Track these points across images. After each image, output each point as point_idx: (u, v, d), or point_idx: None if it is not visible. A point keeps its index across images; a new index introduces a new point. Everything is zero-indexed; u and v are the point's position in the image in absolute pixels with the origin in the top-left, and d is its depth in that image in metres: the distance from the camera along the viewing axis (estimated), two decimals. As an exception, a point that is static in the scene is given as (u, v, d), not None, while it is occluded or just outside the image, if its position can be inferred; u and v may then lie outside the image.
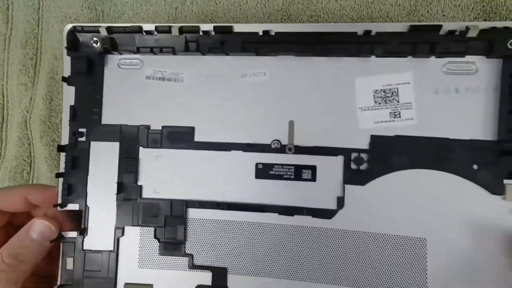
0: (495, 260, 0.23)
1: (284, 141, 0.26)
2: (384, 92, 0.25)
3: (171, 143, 0.27)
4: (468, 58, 0.24)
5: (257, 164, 0.26)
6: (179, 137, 0.27)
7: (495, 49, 0.23)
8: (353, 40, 0.25)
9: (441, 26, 0.23)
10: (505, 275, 0.23)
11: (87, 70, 0.28)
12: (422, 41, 0.24)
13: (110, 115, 0.28)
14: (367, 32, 0.24)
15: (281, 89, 0.26)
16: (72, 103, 0.28)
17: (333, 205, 0.25)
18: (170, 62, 0.27)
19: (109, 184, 0.27)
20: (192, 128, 0.27)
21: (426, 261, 0.24)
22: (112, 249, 0.27)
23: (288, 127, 0.26)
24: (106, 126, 0.28)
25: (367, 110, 0.25)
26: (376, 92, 0.25)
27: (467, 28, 0.23)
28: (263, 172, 0.26)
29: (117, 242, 0.27)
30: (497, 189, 0.23)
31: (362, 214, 0.25)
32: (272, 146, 0.26)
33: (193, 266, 0.27)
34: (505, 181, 0.23)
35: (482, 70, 0.24)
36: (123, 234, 0.27)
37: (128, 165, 0.27)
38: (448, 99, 0.24)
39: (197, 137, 0.27)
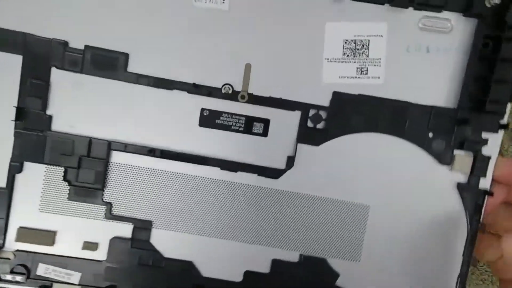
0: (430, 240, 0.24)
1: (237, 87, 0.24)
2: (354, 43, 0.23)
3: (96, 69, 0.24)
4: (445, 14, 0.23)
5: (202, 110, 0.24)
6: (108, 63, 0.24)
7: (473, 6, 0.22)
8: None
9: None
10: (440, 255, 0.23)
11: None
12: (402, -13, 0.22)
13: (10, 18, 0.23)
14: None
15: (240, 23, 0.23)
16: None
17: (282, 165, 0.24)
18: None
19: (5, 107, 0.23)
20: (126, 55, 0.23)
21: (365, 228, 0.24)
22: (4, 186, 0.24)
23: (243, 70, 0.23)
24: (3, 31, 0.23)
25: (333, 62, 0.23)
26: (346, 42, 0.23)
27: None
28: (209, 119, 0.24)
29: (11, 179, 0.24)
30: (446, 159, 0.24)
31: (311, 177, 0.24)
32: (223, 90, 0.24)
33: (110, 216, 0.25)
34: (455, 152, 0.24)
35: (456, 29, 0.23)
36: (21, 170, 0.24)
37: (35, 87, 0.23)
38: (417, 58, 0.23)
39: (132, 67, 0.23)
